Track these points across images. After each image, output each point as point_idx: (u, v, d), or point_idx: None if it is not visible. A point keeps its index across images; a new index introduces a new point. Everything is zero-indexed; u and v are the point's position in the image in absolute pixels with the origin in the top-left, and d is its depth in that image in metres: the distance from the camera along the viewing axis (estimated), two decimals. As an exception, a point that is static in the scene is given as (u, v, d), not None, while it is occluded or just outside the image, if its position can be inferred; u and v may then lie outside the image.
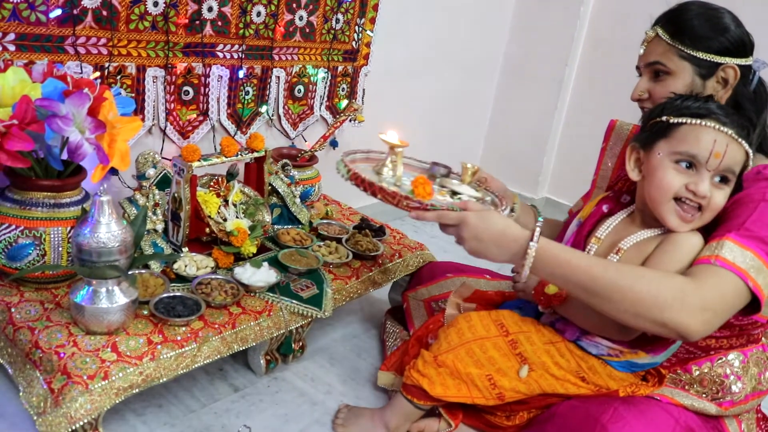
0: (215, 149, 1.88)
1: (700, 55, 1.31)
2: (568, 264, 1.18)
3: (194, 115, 1.89)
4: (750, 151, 1.20)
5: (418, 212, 1.27)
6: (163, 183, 1.66)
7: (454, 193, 1.42)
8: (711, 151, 1.19)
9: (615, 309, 1.16)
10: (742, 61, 1.32)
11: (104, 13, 1.57)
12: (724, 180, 1.21)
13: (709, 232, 1.29)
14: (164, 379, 1.29)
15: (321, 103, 2.24)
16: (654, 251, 1.25)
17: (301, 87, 2.15)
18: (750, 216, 1.19)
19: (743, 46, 1.33)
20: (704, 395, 1.32)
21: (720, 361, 1.35)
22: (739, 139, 1.20)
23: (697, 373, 1.35)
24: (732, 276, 1.13)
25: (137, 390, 1.26)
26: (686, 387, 1.34)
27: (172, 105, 1.81)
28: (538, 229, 1.19)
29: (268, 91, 2.05)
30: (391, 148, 1.42)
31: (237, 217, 1.71)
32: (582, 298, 1.20)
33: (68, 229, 1.36)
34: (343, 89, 2.30)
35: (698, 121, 1.20)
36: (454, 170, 1.53)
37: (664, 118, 1.24)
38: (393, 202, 1.28)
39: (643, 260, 1.26)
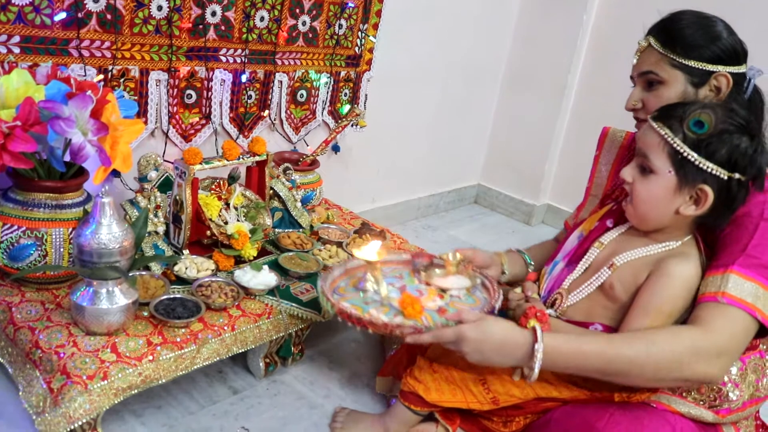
0: (217, 152, 1.88)
1: (692, 63, 1.32)
2: (579, 354, 1.19)
3: (197, 119, 1.89)
4: (666, 136, 1.20)
5: (414, 336, 1.23)
6: (165, 185, 1.67)
7: (443, 290, 1.39)
8: (638, 136, 1.29)
9: (636, 381, 1.22)
10: (735, 69, 1.33)
11: (108, 16, 1.58)
12: (643, 169, 1.26)
13: (711, 247, 1.29)
14: (163, 381, 1.30)
15: (323, 108, 2.25)
16: (647, 282, 1.26)
17: (303, 92, 2.16)
18: (751, 240, 1.21)
19: (736, 54, 1.33)
20: (701, 402, 1.32)
21: (717, 369, 1.35)
22: (654, 123, 1.23)
23: (695, 380, 1.35)
24: (740, 313, 1.16)
25: (136, 391, 1.26)
26: (683, 394, 1.34)
27: (175, 108, 1.82)
28: (539, 328, 1.20)
29: (270, 96, 2.06)
30: (369, 263, 1.38)
31: (238, 221, 1.72)
32: (601, 379, 1.23)
33: (70, 230, 1.37)
34: (345, 94, 2.31)
35: None
36: (435, 256, 1.49)
37: None
38: (386, 332, 1.25)
39: (637, 288, 1.27)
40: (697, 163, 1.18)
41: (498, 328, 1.21)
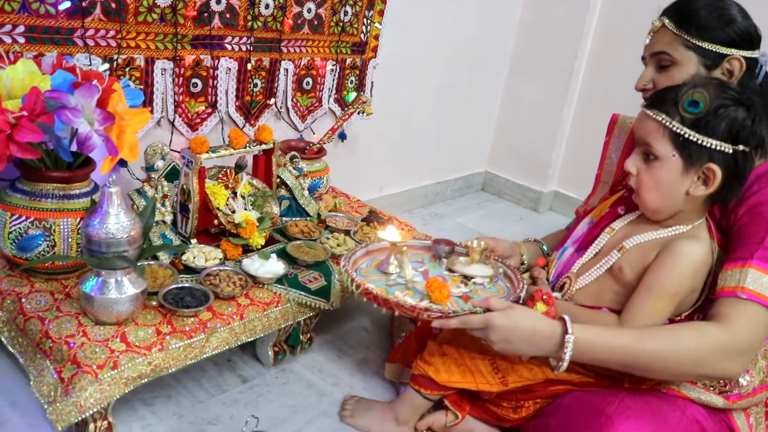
0: (224, 141, 1.88)
1: (706, 45, 1.31)
2: (607, 347, 1.20)
3: (203, 107, 1.89)
4: (664, 120, 1.21)
5: (441, 321, 1.24)
6: (172, 175, 1.67)
7: (466, 277, 1.41)
8: (636, 127, 1.29)
9: (659, 376, 1.26)
10: (749, 54, 1.32)
11: (113, 5, 1.57)
12: (646, 156, 1.26)
13: (725, 235, 1.29)
14: (173, 370, 1.30)
15: (329, 96, 2.24)
16: (655, 261, 1.27)
17: (309, 79, 2.15)
18: None
19: (750, 38, 1.32)
20: (711, 388, 1.31)
21: (728, 355, 1.35)
22: (649, 111, 1.23)
23: (705, 366, 1.35)
24: (760, 309, 1.17)
25: (146, 380, 1.27)
26: (694, 380, 1.34)
27: (181, 97, 1.82)
28: (568, 320, 1.20)
29: (276, 84, 2.05)
30: (393, 245, 1.39)
31: (245, 209, 1.71)
32: (625, 371, 1.26)
33: (78, 220, 1.37)
34: (351, 82, 2.30)
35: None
36: (456, 243, 1.51)
37: None
38: (413, 314, 1.25)
39: (645, 267, 1.28)
40: (699, 141, 1.18)
41: (527, 318, 1.21)
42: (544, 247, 1.63)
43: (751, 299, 1.17)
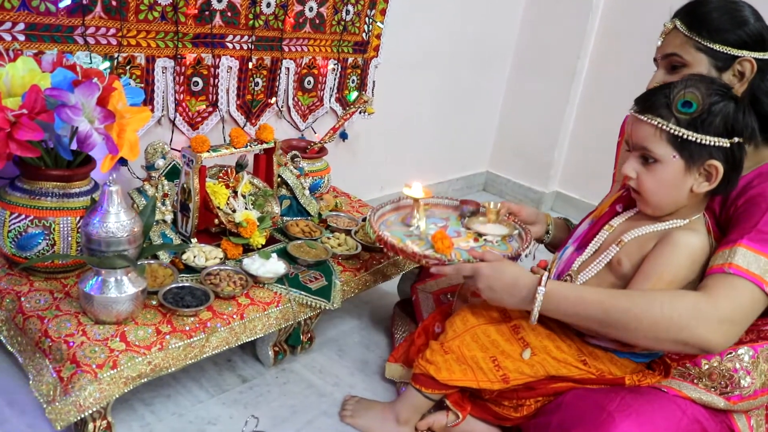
0: (224, 140, 1.88)
1: (717, 47, 1.31)
2: (580, 301, 1.23)
3: (203, 106, 1.88)
4: (660, 124, 1.21)
5: (438, 267, 1.39)
6: (173, 174, 1.67)
7: (479, 235, 1.55)
8: (629, 133, 1.29)
9: (633, 337, 1.22)
10: (760, 55, 1.31)
11: (114, 3, 1.57)
12: (646, 159, 1.26)
13: (723, 231, 1.29)
14: (172, 369, 1.30)
15: (331, 95, 2.24)
16: (652, 250, 1.28)
17: (310, 78, 2.14)
18: (762, 217, 1.20)
19: (762, 40, 1.32)
20: (713, 389, 1.31)
21: (729, 356, 1.34)
22: (642, 116, 1.23)
23: (706, 366, 1.34)
24: (746, 283, 1.15)
25: (145, 379, 1.26)
26: (695, 380, 1.33)
27: (182, 96, 1.82)
28: (546, 273, 1.26)
29: (277, 83, 2.04)
30: (415, 201, 1.53)
31: (246, 209, 1.71)
32: (599, 331, 1.26)
33: (77, 218, 1.37)
34: (353, 81, 2.29)
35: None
36: (483, 206, 1.63)
37: None
38: (414, 259, 1.43)
39: (642, 257, 1.28)
40: (699, 140, 1.19)
41: (512, 269, 1.31)
42: (570, 225, 1.69)
43: (737, 273, 1.15)
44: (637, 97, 1.29)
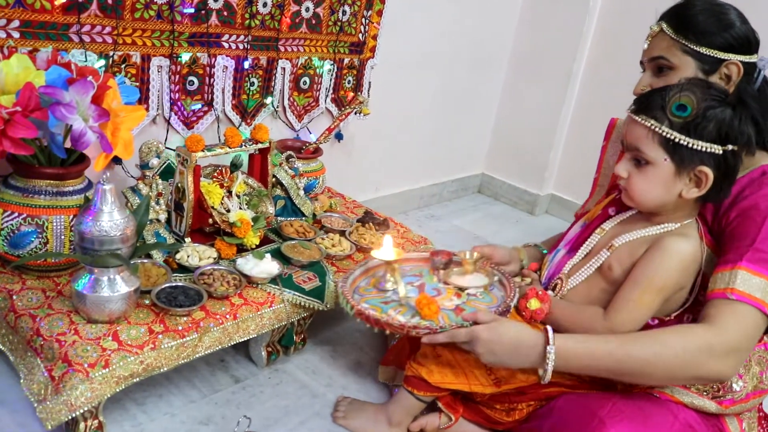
0: (219, 140, 1.88)
1: (704, 50, 1.31)
2: (591, 355, 1.21)
3: (199, 106, 1.88)
4: (654, 126, 1.21)
5: (430, 337, 1.28)
6: (167, 173, 1.66)
7: (461, 289, 1.44)
8: (624, 132, 1.28)
9: (648, 381, 1.24)
10: (746, 58, 1.32)
11: (109, 1, 1.56)
12: (638, 161, 1.26)
13: (716, 238, 1.29)
14: (165, 369, 1.30)
15: (326, 96, 2.24)
16: (643, 256, 1.28)
17: (306, 79, 2.14)
18: (759, 233, 1.21)
19: (748, 43, 1.33)
20: (704, 393, 1.31)
21: (722, 360, 1.34)
22: (636, 117, 1.23)
23: (699, 371, 1.35)
24: (750, 309, 1.17)
25: (138, 379, 1.26)
26: (687, 385, 1.34)
27: (177, 95, 1.81)
28: (550, 330, 1.22)
29: (273, 83, 2.04)
30: (388, 264, 1.43)
31: (240, 208, 1.71)
32: (612, 379, 1.26)
33: (71, 217, 1.36)
34: (349, 82, 2.29)
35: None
36: (454, 253, 1.53)
37: None
38: (403, 332, 1.31)
39: (633, 263, 1.29)
40: (690, 145, 1.19)
41: (511, 330, 1.24)
42: (544, 252, 1.63)
43: (740, 300, 1.16)
44: (636, 97, 1.29)
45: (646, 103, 1.24)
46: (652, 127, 1.21)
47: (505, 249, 1.58)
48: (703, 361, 1.15)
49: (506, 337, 1.23)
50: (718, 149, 1.18)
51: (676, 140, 1.19)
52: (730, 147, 1.19)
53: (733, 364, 1.17)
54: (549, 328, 1.22)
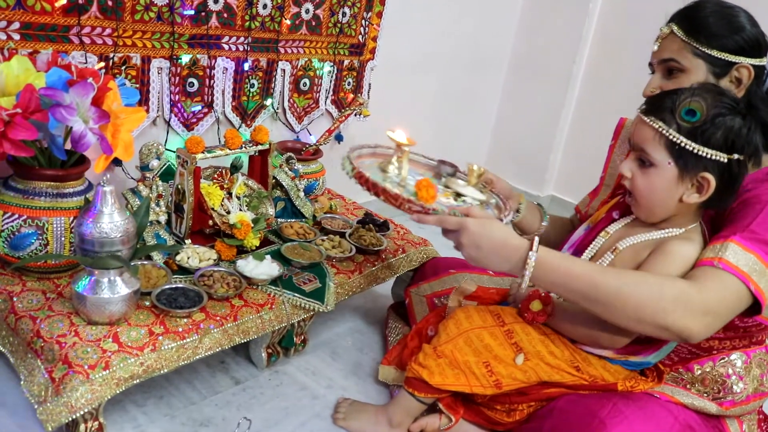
0: (219, 141, 1.88)
1: (715, 53, 1.31)
2: (569, 272, 1.19)
3: (199, 107, 1.88)
4: (661, 128, 1.20)
5: (420, 215, 1.25)
6: (167, 174, 1.66)
7: (458, 195, 1.42)
8: (632, 131, 1.27)
9: (617, 315, 1.18)
10: (757, 62, 1.32)
11: (109, 3, 1.57)
12: (642, 162, 1.25)
13: (716, 231, 1.29)
14: (165, 371, 1.29)
15: (326, 97, 2.24)
16: (647, 258, 1.27)
17: (306, 80, 2.14)
18: (756, 218, 1.20)
19: (758, 46, 1.32)
20: (705, 394, 1.31)
21: (722, 361, 1.34)
22: (645, 117, 1.23)
23: (699, 372, 1.35)
24: (734, 279, 1.14)
25: (138, 381, 1.26)
26: (687, 386, 1.34)
27: (177, 96, 1.81)
28: (537, 238, 1.20)
29: (273, 84, 2.04)
30: (397, 147, 1.41)
31: (240, 210, 1.71)
32: (583, 306, 1.21)
33: (71, 218, 1.36)
34: (349, 83, 2.29)
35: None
36: (460, 169, 1.52)
37: None
38: (395, 203, 1.27)
39: (637, 266, 1.28)
40: (695, 151, 1.18)
41: (501, 229, 1.22)
42: (544, 212, 1.62)
43: (726, 269, 1.14)
44: (648, 98, 1.29)
45: (656, 105, 1.23)
46: (660, 129, 1.21)
47: (508, 185, 1.57)
48: (675, 310, 1.12)
49: (494, 234, 1.20)
50: (723, 157, 1.18)
51: (682, 144, 1.19)
52: (736, 156, 1.18)
53: (705, 325, 1.13)
54: (536, 237, 1.21)
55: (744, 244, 1.16)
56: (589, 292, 1.17)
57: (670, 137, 1.19)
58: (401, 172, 1.39)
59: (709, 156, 1.18)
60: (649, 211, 1.29)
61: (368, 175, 1.28)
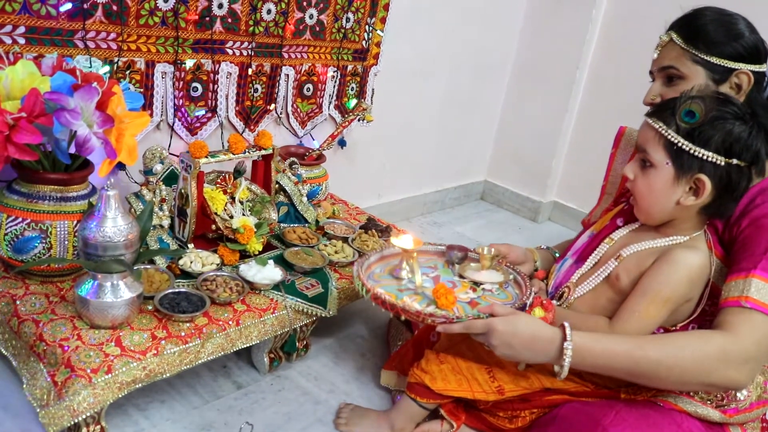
0: (223, 146, 1.88)
1: (714, 60, 1.32)
2: (608, 354, 1.20)
3: (202, 112, 1.88)
4: (661, 129, 1.22)
5: (446, 326, 1.26)
6: (170, 179, 1.67)
7: (476, 284, 1.43)
8: (638, 135, 1.30)
9: (663, 384, 1.22)
10: (756, 68, 1.32)
11: (114, 7, 1.57)
12: (644, 163, 1.26)
13: (726, 249, 1.29)
14: (167, 375, 1.29)
15: (330, 102, 2.24)
16: (652, 266, 1.28)
17: (310, 85, 2.15)
18: None
19: (757, 52, 1.33)
20: (708, 402, 1.31)
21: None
22: (649, 119, 1.25)
23: (703, 380, 1.34)
24: (764, 318, 1.17)
25: (140, 385, 1.26)
26: (690, 393, 1.33)
27: (181, 101, 1.82)
28: (567, 326, 1.21)
29: (277, 89, 2.04)
30: (405, 252, 1.42)
31: (243, 215, 1.71)
32: (627, 380, 1.24)
33: (75, 222, 1.36)
34: (352, 88, 2.30)
35: None
36: (470, 249, 1.54)
37: None
38: (418, 319, 1.29)
39: (641, 273, 1.29)
40: (692, 151, 1.19)
41: (528, 324, 1.23)
42: (556, 255, 1.64)
43: (754, 308, 1.16)
44: (658, 103, 1.30)
45: (661, 107, 1.26)
46: (659, 129, 1.22)
47: (521, 249, 1.59)
48: (717, 368, 1.15)
49: (523, 331, 1.21)
50: (720, 160, 1.18)
51: (680, 144, 1.20)
52: (734, 161, 1.18)
53: (747, 372, 1.17)
54: (566, 324, 1.21)
55: (766, 276, 1.18)
56: (631, 368, 1.19)
57: (669, 137, 1.21)
58: (415, 276, 1.40)
59: (705, 157, 1.19)
60: (647, 213, 1.30)
61: (385, 297, 1.30)
